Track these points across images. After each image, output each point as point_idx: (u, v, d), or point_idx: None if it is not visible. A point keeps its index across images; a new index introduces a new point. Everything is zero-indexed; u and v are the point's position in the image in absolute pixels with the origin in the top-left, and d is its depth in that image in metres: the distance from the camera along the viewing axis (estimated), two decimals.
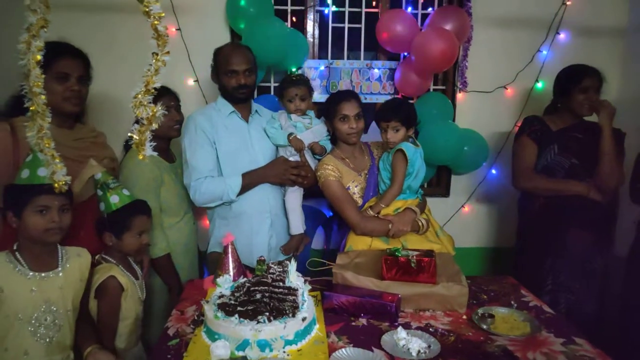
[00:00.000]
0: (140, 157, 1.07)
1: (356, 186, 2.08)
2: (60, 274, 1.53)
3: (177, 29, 2.72)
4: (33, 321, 1.46)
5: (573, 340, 1.45)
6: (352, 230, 2.04)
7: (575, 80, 2.27)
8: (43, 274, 1.50)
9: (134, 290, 1.71)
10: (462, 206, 3.08)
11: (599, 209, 2.26)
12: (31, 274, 1.48)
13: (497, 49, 2.91)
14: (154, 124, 1.07)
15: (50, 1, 1.04)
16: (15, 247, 1.50)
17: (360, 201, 2.07)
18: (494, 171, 3.03)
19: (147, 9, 1.03)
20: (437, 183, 3.13)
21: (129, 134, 1.06)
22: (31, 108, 1.06)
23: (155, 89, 1.04)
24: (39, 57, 1.00)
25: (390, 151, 2.02)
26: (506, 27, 2.88)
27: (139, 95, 1.05)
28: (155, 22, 1.02)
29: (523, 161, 2.40)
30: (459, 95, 2.96)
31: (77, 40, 1.82)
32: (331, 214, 2.57)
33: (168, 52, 1.03)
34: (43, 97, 1.05)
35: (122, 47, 2.66)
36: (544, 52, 2.91)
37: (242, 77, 2.05)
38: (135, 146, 1.09)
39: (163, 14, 1.04)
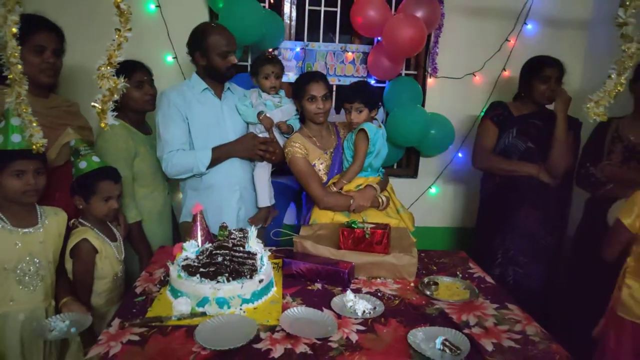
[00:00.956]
0: (102, 125, 1.17)
1: (322, 163, 2.20)
2: (41, 230, 1.66)
3: (157, 6, 2.78)
4: (18, 271, 1.60)
5: (506, 306, 1.60)
6: (316, 204, 2.16)
7: (537, 70, 2.40)
8: (25, 230, 1.63)
9: (110, 252, 1.83)
10: (430, 187, 3.23)
11: (550, 191, 2.41)
12: (14, 229, 1.60)
13: (467, 37, 3.02)
14: (115, 95, 1.17)
15: None
16: None
17: (325, 178, 2.18)
18: (460, 154, 3.17)
19: None
20: (407, 164, 3.26)
21: (92, 104, 1.16)
22: (9, 77, 1.15)
23: (120, 63, 1.13)
24: (14, 30, 1.09)
25: (354, 131, 2.14)
26: (476, 16, 2.99)
27: (102, 68, 1.15)
28: (119, 1, 1.11)
29: (483, 143, 2.55)
30: (430, 81, 3.07)
31: (53, 13, 1.89)
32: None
33: (130, 29, 1.12)
34: (20, 66, 1.14)
35: (99, 21, 2.64)
36: (512, 42, 3.03)
37: (234, 57, 2.15)
38: (98, 115, 1.19)
39: None
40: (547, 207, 2.44)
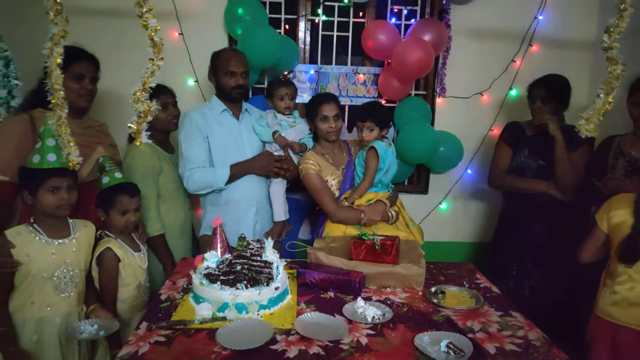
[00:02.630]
0: (137, 143, 1.32)
1: (334, 179, 2.31)
2: (73, 240, 1.81)
3: (179, 34, 2.97)
4: (54, 278, 1.74)
5: (509, 314, 1.68)
6: (329, 218, 2.28)
7: (528, 92, 2.52)
8: (60, 241, 1.78)
9: (133, 261, 1.96)
10: (440, 203, 3.31)
11: (565, 206, 2.48)
12: (50, 240, 1.75)
13: (474, 58, 3.14)
14: (149, 117, 1.31)
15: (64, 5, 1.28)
16: (32, 220, 1.77)
17: (337, 193, 2.30)
18: (469, 171, 3.26)
19: (145, 23, 1.28)
20: (417, 181, 3.36)
21: (129, 125, 1.31)
22: (52, 101, 1.30)
23: (151, 87, 1.28)
24: (59, 61, 1.25)
25: (365, 148, 2.26)
26: (482, 39, 3.11)
27: (137, 93, 1.29)
28: (152, 33, 1.26)
29: (497, 163, 2.67)
30: (438, 100, 3.19)
31: (84, 41, 2.05)
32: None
33: (162, 58, 1.27)
34: (62, 92, 1.29)
35: (125, 49, 2.87)
36: (518, 62, 3.14)
37: (240, 78, 2.30)
38: (133, 135, 1.33)
39: (159, 27, 1.28)
40: (562, 223, 2.49)
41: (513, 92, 3.15)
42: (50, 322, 1.73)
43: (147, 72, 1.26)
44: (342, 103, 3.09)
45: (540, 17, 3.08)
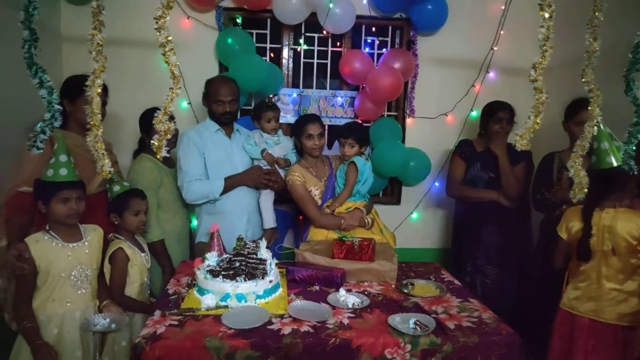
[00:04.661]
0: (158, 156, 1.59)
1: (317, 190, 2.61)
2: (86, 243, 2.03)
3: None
4: (72, 277, 1.95)
5: (468, 300, 1.99)
6: (312, 223, 2.57)
7: (492, 114, 2.87)
8: (74, 244, 1.99)
9: (140, 260, 2.20)
10: (411, 213, 3.64)
11: (510, 211, 2.85)
12: (65, 244, 1.97)
13: (438, 83, 3.52)
14: (168, 135, 1.59)
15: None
16: (48, 227, 1.98)
17: (320, 201, 2.60)
18: (437, 184, 3.61)
19: (167, 59, 1.57)
20: (391, 193, 3.68)
21: (152, 141, 1.58)
22: (91, 122, 1.57)
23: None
24: (99, 91, 1.52)
25: (345, 162, 2.57)
26: (446, 66, 3.49)
27: (159, 116, 1.57)
28: (172, 68, 1.55)
29: (452, 175, 3.02)
30: (408, 120, 3.54)
31: (86, 69, 2.29)
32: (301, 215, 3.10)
33: (180, 87, 1.55)
34: (99, 115, 1.56)
35: (128, 78, 3.16)
36: (477, 87, 3.53)
37: (227, 106, 2.58)
38: (155, 149, 1.60)
39: (178, 63, 1.57)
40: (507, 224, 2.86)
41: (474, 113, 3.52)
42: (70, 317, 1.94)
43: (167, 98, 1.54)
44: None
45: (495, 48, 3.49)
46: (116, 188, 2.20)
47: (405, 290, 2.06)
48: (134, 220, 2.19)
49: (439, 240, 3.72)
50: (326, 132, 3.45)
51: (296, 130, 2.64)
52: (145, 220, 2.24)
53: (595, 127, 1.92)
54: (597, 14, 1.82)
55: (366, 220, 2.57)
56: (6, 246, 2.03)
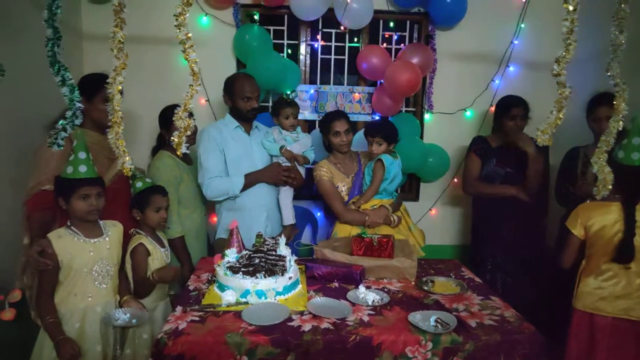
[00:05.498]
0: (178, 152, 1.60)
1: (344, 186, 2.61)
2: (107, 239, 2.05)
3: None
4: (94, 273, 1.98)
5: (489, 298, 1.97)
6: (337, 218, 2.57)
7: (506, 110, 2.82)
8: (95, 240, 2.02)
9: (160, 255, 2.22)
10: (430, 209, 3.62)
11: (529, 206, 2.80)
12: (87, 240, 1.99)
13: (457, 78, 3.48)
14: (188, 131, 1.60)
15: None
16: (69, 224, 2.01)
17: (346, 197, 2.60)
18: (455, 180, 3.57)
19: (187, 56, 1.57)
20: (409, 189, 3.66)
21: (172, 137, 1.59)
22: (112, 120, 1.59)
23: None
24: (120, 88, 1.53)
25: (373, 160, 2.56)
26: (465, 61, 3.45)
27: (179, 112, 1.58)
28: (192, 65, 1.56)
29: (469, 172, 2.98)
30: (427, 116, 3.51)
31: (104, 66, 2.20)
32: (320, 212, 3.12)
33: (200, 84, 1.56)
34: (120, 113, 1.58)
35: (144, 75, 3.17)
36: (497, 82, 3.48)
37: (254, 102, 2.60)
38: (175, 146, 1.61)
39: (197, 60, 1.58)
40: (525, 219, 2.82)
41: (493, 109, 3.47)
42: (92, 311, 1.97)
43: (187, 95, 1.55)
44: None
45: (516, 42, 3.44)
46: (138, 184, 2.23)
47: (425, 288, 2.04)
48: (155, 216, 2.21)
49: (457, 236, 3.69)
50: None
51: (323, 128, 2.64)
52: (167, 216, 2.26)
53: (621, 122, 1.87)
54: (622, 5, 1.77)
55: (392, 218, 2.55)
56: (29, 243, 2.07)
